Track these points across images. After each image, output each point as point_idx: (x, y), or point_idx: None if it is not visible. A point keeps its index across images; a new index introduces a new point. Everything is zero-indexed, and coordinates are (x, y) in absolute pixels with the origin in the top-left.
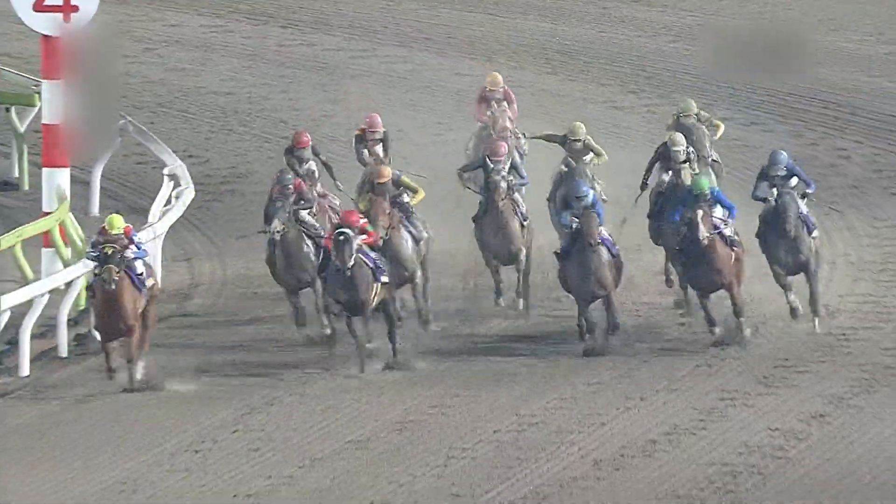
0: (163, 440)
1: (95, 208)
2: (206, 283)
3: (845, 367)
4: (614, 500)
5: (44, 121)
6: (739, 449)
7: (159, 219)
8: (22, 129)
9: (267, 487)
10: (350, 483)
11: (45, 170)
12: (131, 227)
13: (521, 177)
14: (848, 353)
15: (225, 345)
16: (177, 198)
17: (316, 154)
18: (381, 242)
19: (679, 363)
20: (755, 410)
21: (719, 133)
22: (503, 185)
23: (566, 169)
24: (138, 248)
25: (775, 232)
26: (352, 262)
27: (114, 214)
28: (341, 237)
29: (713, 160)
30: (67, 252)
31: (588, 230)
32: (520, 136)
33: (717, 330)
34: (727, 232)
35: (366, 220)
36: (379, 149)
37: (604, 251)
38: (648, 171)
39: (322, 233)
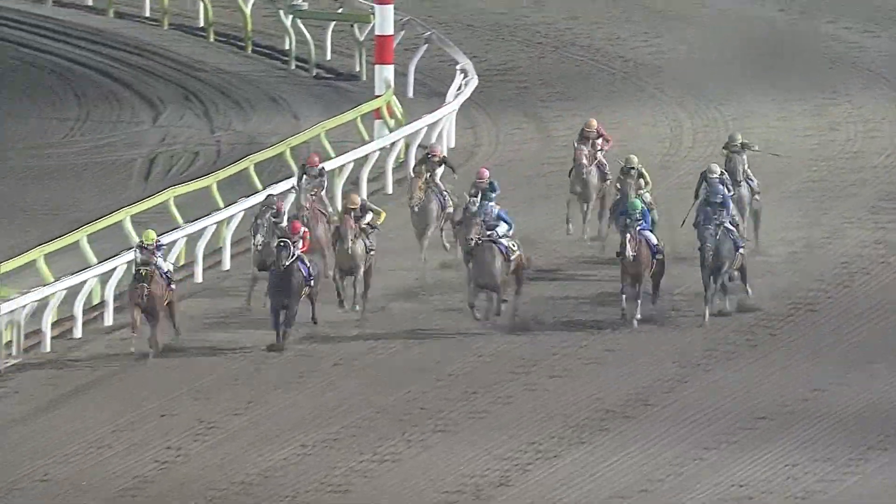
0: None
1: (410, 92)
2: (485, 143)
3: None
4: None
5: (376, 33)
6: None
7: (454, 98)
8: (361, 38)
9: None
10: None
11: (376, 66)
12: (160, 239)
13: (495, 190)
14: None
15: None
16: (465, 85)
17: (321, 171)
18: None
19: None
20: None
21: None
22: (474, 209)
23: (619, 188)
24: (161, 251)
25: (703, 251)
26: (288, 263)
27: (148, 230)
28: (282, 244)
29: (748, 179)
30: (391, 122)
31: (463, 236)
32: (604, 165)
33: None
34: (653, 240)
35: (307, 229)
36: (440, 170)
37: (497, 253)
38: (696, 192)
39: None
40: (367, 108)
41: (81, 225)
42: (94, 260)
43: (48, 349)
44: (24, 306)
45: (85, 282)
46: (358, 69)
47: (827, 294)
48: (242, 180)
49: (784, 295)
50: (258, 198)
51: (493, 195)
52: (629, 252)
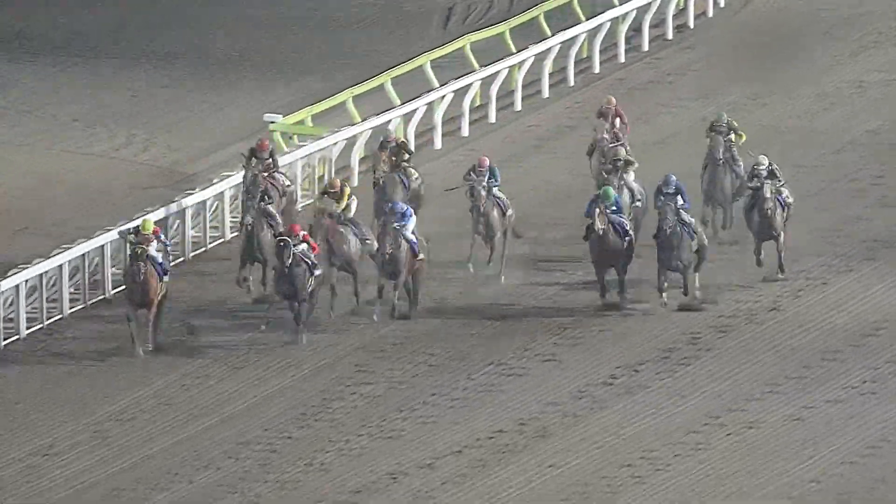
0: None
1: None
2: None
3: None
4: None
5: None
6: None
7: None
8: None
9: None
10: None
11: None
12: (159, 228)
13: (496, 177)
14: None
15: None
16: None
17: (272, 154)
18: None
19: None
20: None
21: (741, 141)
22: (482, 192)
23: (604, 177)
24: (161, 243)
25: (660, 237)
26: (289, 262)
27: (145, 218)
28: (281, 243)
29: (733, 162)
30: None
31: (380, 242)
32: (623, 144)
33: (607, 295)
34: (626, 224)
35: (307, 232)
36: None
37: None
38: (748, 181)
39: (280, 222)
40: None
41: (385, 69)
42: (398, 101)
43: (356, 183)
44: (335, 144)
45: (390, 120)
46: None
47: None
48: (533, 28)
49: None
50: (548, 43)
51: (496, 182)
52: (598, 226)
